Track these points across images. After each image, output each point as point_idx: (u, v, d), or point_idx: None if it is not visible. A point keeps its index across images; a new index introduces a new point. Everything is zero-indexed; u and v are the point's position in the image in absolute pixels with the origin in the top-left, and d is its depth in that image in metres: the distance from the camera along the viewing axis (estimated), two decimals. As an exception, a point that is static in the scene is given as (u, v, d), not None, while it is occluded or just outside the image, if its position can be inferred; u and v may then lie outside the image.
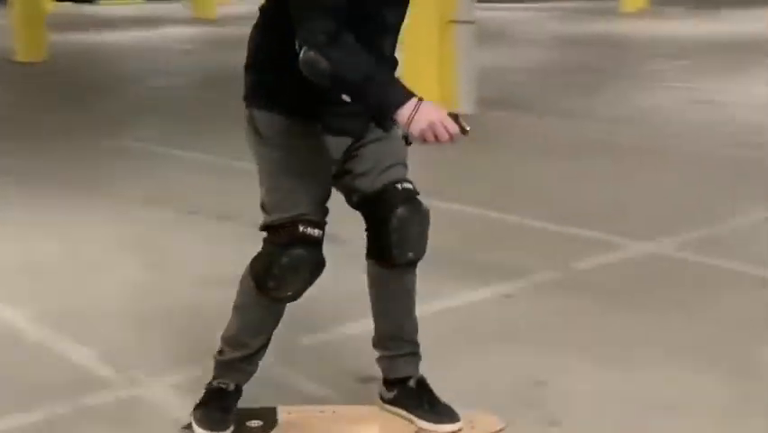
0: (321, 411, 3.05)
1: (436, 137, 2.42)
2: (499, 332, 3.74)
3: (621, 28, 17.48)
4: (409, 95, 2.44)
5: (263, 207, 2.76)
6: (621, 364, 3.43)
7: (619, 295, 4.14)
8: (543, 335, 3.70)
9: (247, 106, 2.76)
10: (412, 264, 2.81)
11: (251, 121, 2.74)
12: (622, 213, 5.42)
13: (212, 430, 2.83)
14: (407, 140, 2.59)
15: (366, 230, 2.80)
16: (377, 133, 2.74)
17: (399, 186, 2.72)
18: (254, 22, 2.77)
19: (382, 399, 2.98)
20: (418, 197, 2.76)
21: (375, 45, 2.60)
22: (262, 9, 2.74)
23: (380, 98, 2.44)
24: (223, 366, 2.89)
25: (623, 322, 3.83)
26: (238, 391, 2.89)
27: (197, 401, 2.92)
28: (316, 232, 2.67)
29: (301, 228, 2.64)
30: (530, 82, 11.04)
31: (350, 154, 2.74)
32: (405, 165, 2.79)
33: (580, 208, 5.51)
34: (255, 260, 2.77)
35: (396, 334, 2.88)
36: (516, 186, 6.15)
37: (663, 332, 3.72)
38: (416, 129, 2.41)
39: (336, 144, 2.72)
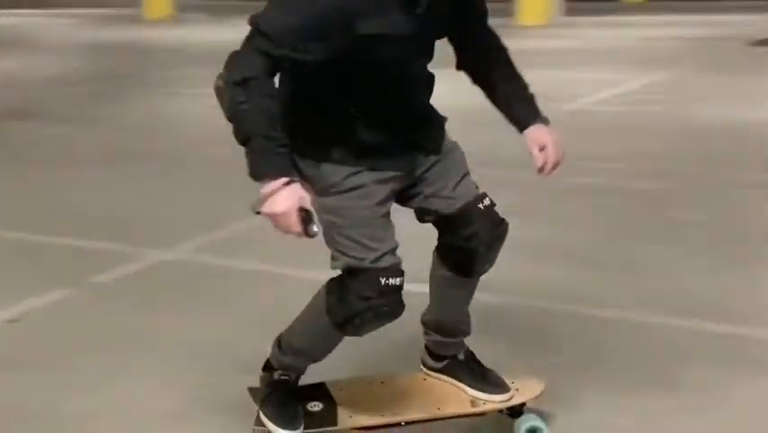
0: (369, 383, 2.98)
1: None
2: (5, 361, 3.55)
3: (147, 35, 17.56)
4: (279, 174, 2.36)
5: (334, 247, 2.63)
6: (136, 371, 3.43)
7: (142, 304, 4.13)
8: (57, 357, 3.58)
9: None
10: None
11: (297, 169, 2.53)
12: (142, 222, 5.43)
13: (292, 429, 2.75)
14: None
15: (440, 239, 2.79)
16: (432, 158, 2.69)
17: (481, 205, 2.71)
18: None
19: (425, 365, 3.02)
20: (496, 208, 2.76)
21: (407, 99, 2.62)
22: None
23: (252, 162, 2.39)
24: (283, 364, 2.84)
25: (147, 329, 3.83)
26: (298, 379, 2.88)
27: (262, 397, 2.83)
28: (398, 281, 2.60)
29: (383, 281, 2.56)
30: (54, 91, 10.73)
31: (411, 182, 2.68)
32: (468, 171, 2.77)
33: (100, 220, 5.44)
34: (333, 299, 2.63)
35: (455, 327, 2.96)
36: (37, 200, 5.94)
37: (187, 334, 3.77)
38: (264, 210, 2.39)
39: (392, 180, 2.63)
